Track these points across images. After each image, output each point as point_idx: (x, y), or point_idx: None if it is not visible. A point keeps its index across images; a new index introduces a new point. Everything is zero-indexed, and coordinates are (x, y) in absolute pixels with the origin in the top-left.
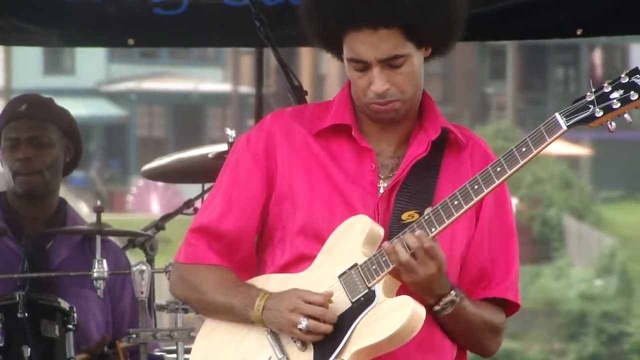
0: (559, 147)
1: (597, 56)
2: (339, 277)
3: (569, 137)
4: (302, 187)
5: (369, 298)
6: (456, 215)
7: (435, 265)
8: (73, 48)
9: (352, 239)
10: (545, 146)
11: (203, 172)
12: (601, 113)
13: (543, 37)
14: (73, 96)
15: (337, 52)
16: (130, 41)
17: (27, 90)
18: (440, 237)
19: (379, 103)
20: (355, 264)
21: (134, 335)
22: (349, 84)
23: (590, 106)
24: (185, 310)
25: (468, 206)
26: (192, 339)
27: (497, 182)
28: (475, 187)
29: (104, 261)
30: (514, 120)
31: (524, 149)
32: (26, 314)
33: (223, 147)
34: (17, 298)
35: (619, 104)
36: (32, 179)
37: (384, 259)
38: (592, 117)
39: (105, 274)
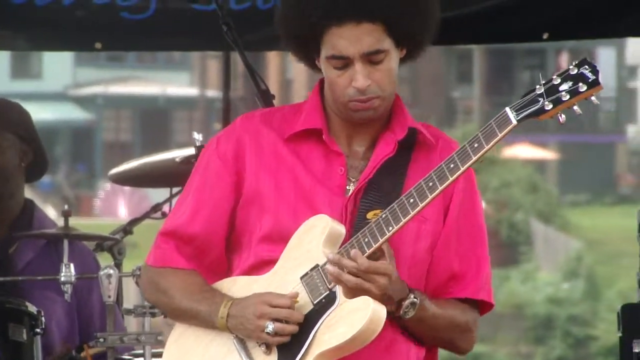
0: (525, 151)
1: (564, 60)
2: (301, 278)
3: (536, 141)
4: (268, 192)
5: (330, 299)
6: (412, 213)
7: (384, 278)
8: (40, 52)
9: (314, 239)
10: (497, 141)
11: (170, 176)
12: (550, 106)
13: (509, 41)
14: (40, 100)
15: (312, 55)
16: (98, 45)
17: None
18: (404, 237)
19: (359, 100)
20: (317, 265)
21: (101, 339)
22: (319, 87)
23: (539, 99)
24: (153, 315)
25: (423, 204)
26: (159, 343)
27: (451, 178)
28: (430, 184)
29: (72, 265)
30: (481, 124)
31: (475, 145)
32: None
33: (190, 151)
34: None
35: (568, 96)
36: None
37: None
38: (541, 110)
39: (73, 278)
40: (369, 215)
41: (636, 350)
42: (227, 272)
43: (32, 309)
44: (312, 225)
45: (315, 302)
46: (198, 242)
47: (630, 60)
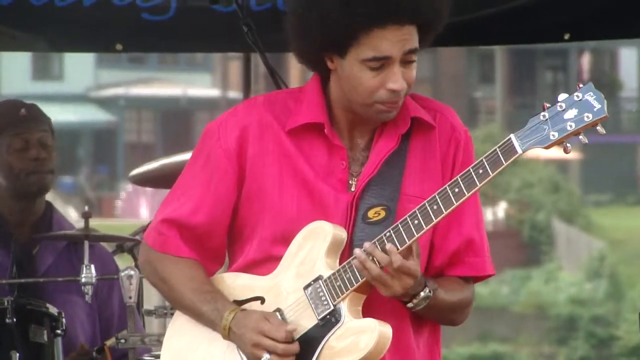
0: (548, 151)
1: (586, 60)
2: (304, 289)
3: None
4: (271, 187)
5: (335, 316)
6: (417, 235)
7: (411, 279)
8: (61, 53)
9: (315, 246)
10: (502, 169)
11: None
12: (556, 135)
13: (531, 42)
14: (62, 102)
15: (327, 55)
16: (119, 46)
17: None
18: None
19: (390, 102)
20: (320, 277)
21: (122, 340)
22: (317, 79)
23: (545, 127)
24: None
25: (428, 227)
26: None
27: (456, 204)
28: (435, 207)
29: (92, 266)
30: (503, 125)
31: (480, 171)
32: (14, 319)
33: None
34: (6, 303)
35: (573, 125)
36: (46, 177)
37: (347, 275)
38: (546, 140)
39: (93, 279)
40: (370, 213)
41: None
42: (229, 260)
43: (53, 310)
44: (313, 231)
45: (319, 318)
46: (200, 231)
47: None
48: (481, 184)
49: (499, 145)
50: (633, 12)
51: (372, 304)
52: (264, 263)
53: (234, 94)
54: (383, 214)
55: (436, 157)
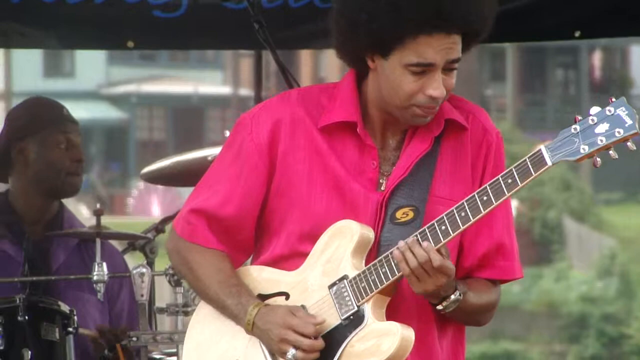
0: None
1: (597, 58)
2: (329, 287)
3: None
4: (301, 183)
5: (359, 317)
6: (443, 242)
7: (445, 278)
8: (73, 51)
9: (341, 245)
10: (531, 180)
11: (203, 174)
12: (586, 149)
13: (541, 40)
14: (73, 99)
15: (368, 55)
16: (130, 43)
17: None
18: (437, 210)
19: (427, 107)
20: (345, 276)
21: (134, 338)
22: (353, 76)
23: (575, 140)
24: (186, 313)
25: (454, 234)
26: None
27: (483, 212)
28: (462, 214)
29: (104, 264)
30: (513, 122)
31: (509, 181)
32: (26, 317)
33: None
34: (18, 301)
35: (603, 140)
36: (81, 180)
37: (373, 277)
38: (577, 153)
39: (105, 277)
40: (398, 214)
41: None
42: (255, 250)
43: (65, 308)
44: (341, 230)
45: (343, 318)
46: (229, 223)
47: None
48: (509, 194)
49: (529, 155)
50: None
51: (398, 307)
52: (290, 259)
53: (245, 91)
54: (411, 214)
55: (467, 160)
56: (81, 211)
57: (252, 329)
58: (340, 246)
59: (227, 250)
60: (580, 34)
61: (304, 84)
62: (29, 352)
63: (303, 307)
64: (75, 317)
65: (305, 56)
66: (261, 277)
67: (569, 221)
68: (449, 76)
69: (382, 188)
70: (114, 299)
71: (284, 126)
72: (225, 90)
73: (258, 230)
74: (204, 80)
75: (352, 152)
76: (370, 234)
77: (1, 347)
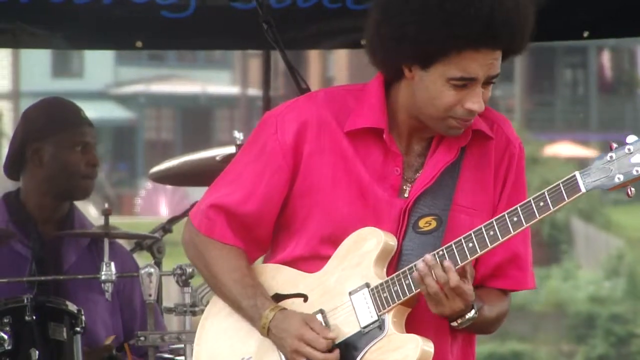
0: (567, 149)
1: (606, 58)
2: (350, 294)
3: (578, 139)
4: (324, 186)
5: (379, 326)
6: (469, 259)
7: (463, 302)
8: (82, 51)
9: (365, 252)
10: (564, 205)
11: (211, 174)
12: (621, 178)
13: (550, 40)
14: (81, 99)
15: (406, 64)
16: (138, 44)
17: (36, 93)
18: (455, 232)
19: (464, 119)
20: (367, 284)
21: (142, 338)
22: (381, 80)
23: (611, 168)
24: (194, 313)
25: (482, 252)
26: None
27: (513, 233)
28: (491, 233)
29: (112, 264)
30: (522, 123)
31: (541, 204)
32: (34, 317)
33: (231, 149)
34: (25, 301)
35: (639, 170)
36: (93, 185)
37: (395, 288)
38: (611, 182)
39: (113, 277)
40: (421, 223)
41: None
42: (271, 246)
43: (72, 307)
44: (364, 237)
45: (362, 326)
46: (249, 220)
47: None
48: (540, 217)
49: (563, 180)
50: None
51: (414, 316)
52: (310, 260)
53: (254, 91)
54: (434, 224)
55: (490, 169)
56: (89, 211)
57: (267, 333)
58: (363, 253)
59: (243, 247)
60: (588, 35)
61: (312, 84)
62: (37, 352)
63: (322, 311)
64: (83, 317)
65: (313, 56)
66: (280, 276)
67: (577, 221)
68: (487, 89)
69: (405, 195)
70: (126, 301)
71: (310, 128)
72: (233, 90)
73: (276, 228)
74: (212, 81)
75: (376, 157)
76: (393, 242)
77: (9, 347)
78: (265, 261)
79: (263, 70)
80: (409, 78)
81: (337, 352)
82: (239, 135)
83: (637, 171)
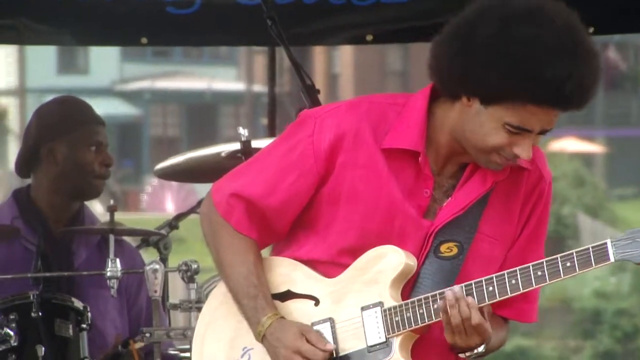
0: (572, 145)
1: (611, 54)
2: (362, 309)
3: (583, 135)
4: (354, 198)
5: (385, 349)
6: (487, 302)
7: (479, 339)
8: (87, 47)
9: (384, 270)
10: (589, 270)
11: (216, 171)
12: None
13: None
14: (87, 95)
15: (465, 94)
16: (144, 40)
17: (41, 89)
18: (476, 261)
19: (507, 160)
20: (381, 303)
21: (147, 334)
22: (427, 97)
23: None
24: (199, 309)
25: (500, 298)
26: None
27: (534, 286)
28: (512, 282)
29: (117, 260)
30: None
31: (568, 264)
32: (40, 313)
33: (236, 146)
34: (31, 297)
35: None
36: (104, 184)
37: (408, 315)
38: None
39: (119, 273)
40: (442, 247)
41: None
42: (287, 237)
43: (78, 304)
44: (386, 255)
45: (369, 345)
46: (269, 214)
47: None
48: (564, 277)
49: (593, 245)
50: None
51: (421, 342)
52: (326, 265)
53: (259, 87)
54: (455, 250)
55: (518, 201)
56: (95, 208)
57: (262, 340)
58: (383, 270)
59: (257, 237)
60: (594, 30)
61: (318, 80)
62: (43, 349)
63: (331, 319)
64: (89, 314)
65: (318, 52)
66: (294, 273)
67: (583, 217)
68: (538, 138)
69: (431, 217)
70: (133, 298)
71: (347, 138)
72: (238, 86)
73: (297, 222)
74: (217, 77)
75: (408, 175)
76: (414, 264)
77: (15, 343)
78: (274, 249)
79: (268, 66)
80: (466, 105)
81: None
82: (243, 132)
83: None
